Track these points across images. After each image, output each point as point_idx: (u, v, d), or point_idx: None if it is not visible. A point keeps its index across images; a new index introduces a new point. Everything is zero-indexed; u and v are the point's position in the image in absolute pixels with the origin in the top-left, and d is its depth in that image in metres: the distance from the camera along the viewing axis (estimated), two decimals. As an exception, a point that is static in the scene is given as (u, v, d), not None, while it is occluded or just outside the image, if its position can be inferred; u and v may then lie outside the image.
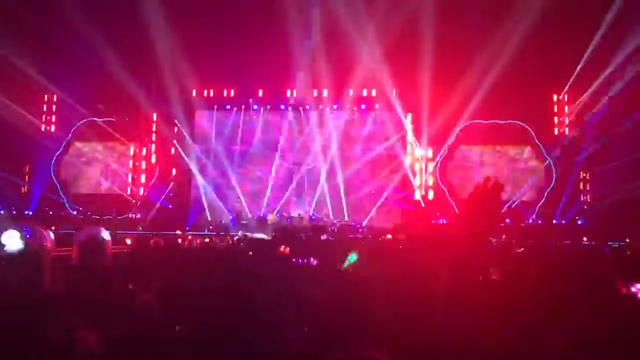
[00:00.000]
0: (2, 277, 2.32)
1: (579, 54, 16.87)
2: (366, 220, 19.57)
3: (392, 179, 20.04)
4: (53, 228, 10.38)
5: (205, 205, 20.28)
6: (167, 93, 20.02)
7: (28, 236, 3.06)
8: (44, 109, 20.93)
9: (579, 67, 17.57)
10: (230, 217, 19.57)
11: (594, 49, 16.78)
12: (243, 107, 20.67)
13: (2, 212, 18.20)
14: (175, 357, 2.43)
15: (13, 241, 3.00)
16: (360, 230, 18.31)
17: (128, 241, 8.54)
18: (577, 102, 18.75)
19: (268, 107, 20.73)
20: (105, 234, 3.42)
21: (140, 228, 16.51)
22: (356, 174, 20.25)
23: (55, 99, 20.75)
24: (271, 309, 1.86)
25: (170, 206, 20.25)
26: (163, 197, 20.16)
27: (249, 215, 19.75)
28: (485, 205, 2.06)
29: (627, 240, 10.49)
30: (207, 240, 12.38)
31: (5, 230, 3.06)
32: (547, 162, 19.17)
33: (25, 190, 20.27)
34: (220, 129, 20.84)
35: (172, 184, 20.54)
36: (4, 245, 2.99)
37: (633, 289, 2.37)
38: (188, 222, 19.46)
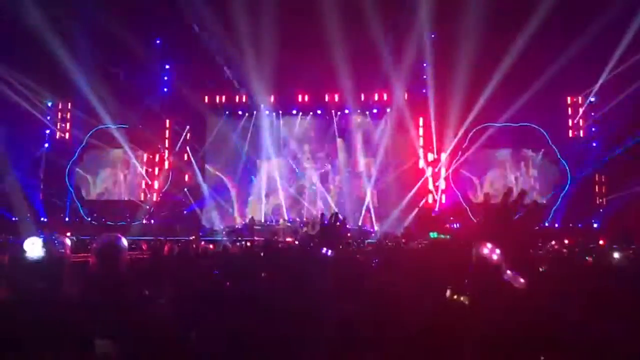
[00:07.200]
0: (23, 284, 2.33)
1: (594, 56, 16.65)
2: (377, 226, 19.44)
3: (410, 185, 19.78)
4: (69, 234, 10.48)
5: (215, 213, 20.25)
6: (179, 100, 20.17)
7: (48, 244, 3.08)
8: (59, 117, 21.15)
9: (594, 70, 17.38)
10: (243, 222, 19.62)
11: (610, 50, 16.59)
12: (255, 112, 20.67)
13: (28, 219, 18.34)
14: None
15: (35, 248, 3.01)
16: (372, 235, 18.21)
17: (144, 247, 8.59)
18: (592, 104, 18.60)
19: (280, 112, 20.75)
20: (123, 241, 3.43)
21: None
22: (372, 181, 20.15)
23: (69, 107, 20.96)
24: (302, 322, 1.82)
25: (185, 212, 20.31)
26: (175, 203, 20.27)
27: (262, 221, 19.76)
28: (505, 218, 2.02)
29: None
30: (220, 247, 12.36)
31: (29, 237, 3.08)
32: (562, 165, 18.98)
33: (41, 197, 20.46)
34: (232, 135, 20.84)
35: (185, 189, 20.59)
36: (25, 252, 3.01)
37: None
38: (201, 228, 19.48)
